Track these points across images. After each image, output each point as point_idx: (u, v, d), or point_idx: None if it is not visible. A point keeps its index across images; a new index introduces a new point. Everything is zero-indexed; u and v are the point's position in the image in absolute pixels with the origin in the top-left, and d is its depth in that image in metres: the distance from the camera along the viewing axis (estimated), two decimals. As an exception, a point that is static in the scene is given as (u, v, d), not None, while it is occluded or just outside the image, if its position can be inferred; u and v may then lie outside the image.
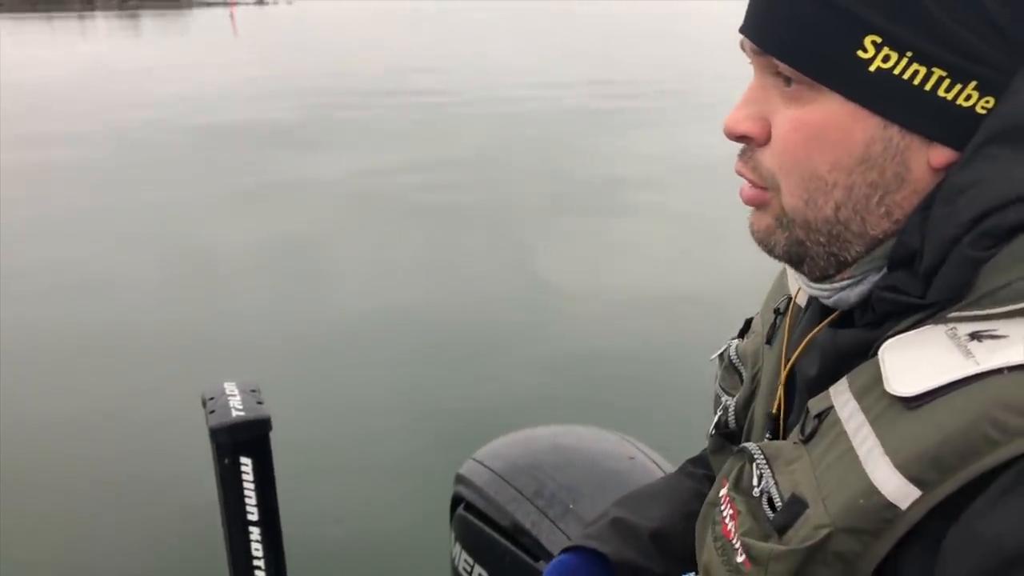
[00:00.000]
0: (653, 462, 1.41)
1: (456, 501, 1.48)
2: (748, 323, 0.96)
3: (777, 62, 0.66)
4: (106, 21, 49.04)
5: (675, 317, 5.01)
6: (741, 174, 0.72)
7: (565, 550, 0.97)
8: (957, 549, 0.54)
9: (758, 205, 0.72)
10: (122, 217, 7.45)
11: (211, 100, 14.88)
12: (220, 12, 55.52)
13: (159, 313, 5.20)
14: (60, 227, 7.15)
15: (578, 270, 5.91)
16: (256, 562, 1.27)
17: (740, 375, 0.92)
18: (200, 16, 52.91)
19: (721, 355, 0.97)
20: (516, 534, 1.36)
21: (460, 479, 1.49)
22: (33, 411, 4.00)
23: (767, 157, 0.69)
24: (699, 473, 1.04)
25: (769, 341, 0.85)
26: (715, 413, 0.93)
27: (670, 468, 1.40)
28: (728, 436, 0.92)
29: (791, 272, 0.80)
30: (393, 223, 7.14)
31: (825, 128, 0.64)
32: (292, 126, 12.10)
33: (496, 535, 1.39)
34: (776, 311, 0.86)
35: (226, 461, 1.25)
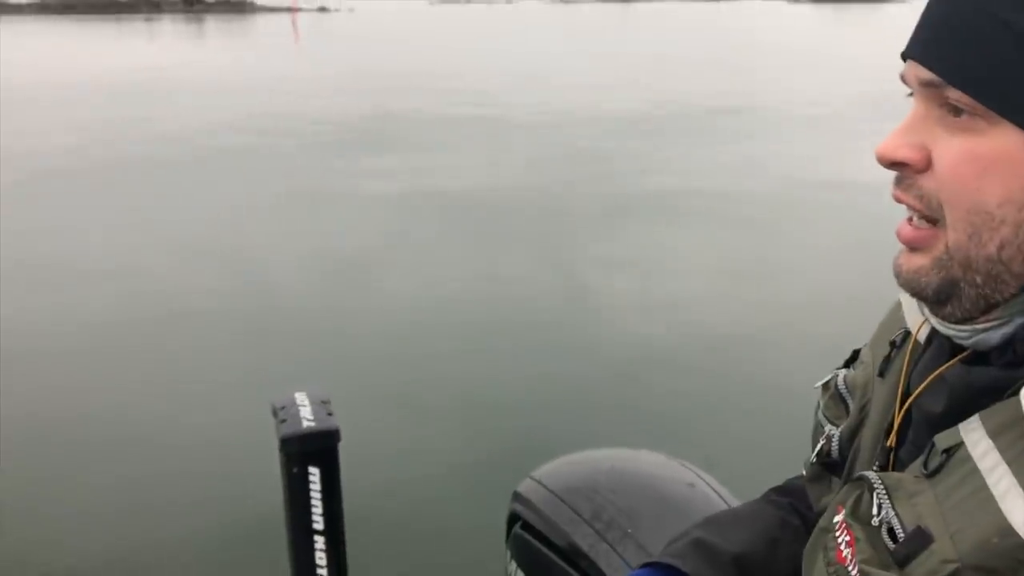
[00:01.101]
0: (713, 490, 1.40)
1: (513, 519, 1.48)
2: (856, 354, 0.95)
3: (949, 92, 0.65)
4: (172, 25, 50.19)
5: (733, 339, 4.94)
6: (903, 202, 0.70)
7: (644, 565, 0.97)
8: None
9: (918, 246, 0.70)
10: (183, 224, 7.56)
11: (269, 107, 15.13)
12: (283, 18, 56.50)
13: (224, 324, 5.26)
14: (117, 233, 7.28)
15: (638, 290, 5.86)
16: (320, 571, 1.29)
17: (846, 405, 0.91)
18: (263, 21, 53.88)
19: (826, 384, 0.95)
20: (573, 556, 1.36)
21: (517, 497, 1.49)
22: (106, 416, 4.08)
23: (930, 184, 0.67)
24: (783, 502, 1.03)
25: (882, 374, 0.84)
26: (815, 441, 0.93)
27: (730, 496, 1.39)
28: (828, 466, 0.91)
29: (910, 306, 0.80)
30: (451, 237, 7.15)
31: (998, 161, 0.63)
32: (347, 134, 12.25)
33: (553, 555, 1.39)
34: (892, 344, 0.85)
35: (295, 470, 1.27)
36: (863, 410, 0.87)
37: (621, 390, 4.28)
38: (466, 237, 7.08)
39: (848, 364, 0.95)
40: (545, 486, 1.46)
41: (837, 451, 0.90)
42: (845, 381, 0.93)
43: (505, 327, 5.15)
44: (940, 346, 0.75)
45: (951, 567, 0.58)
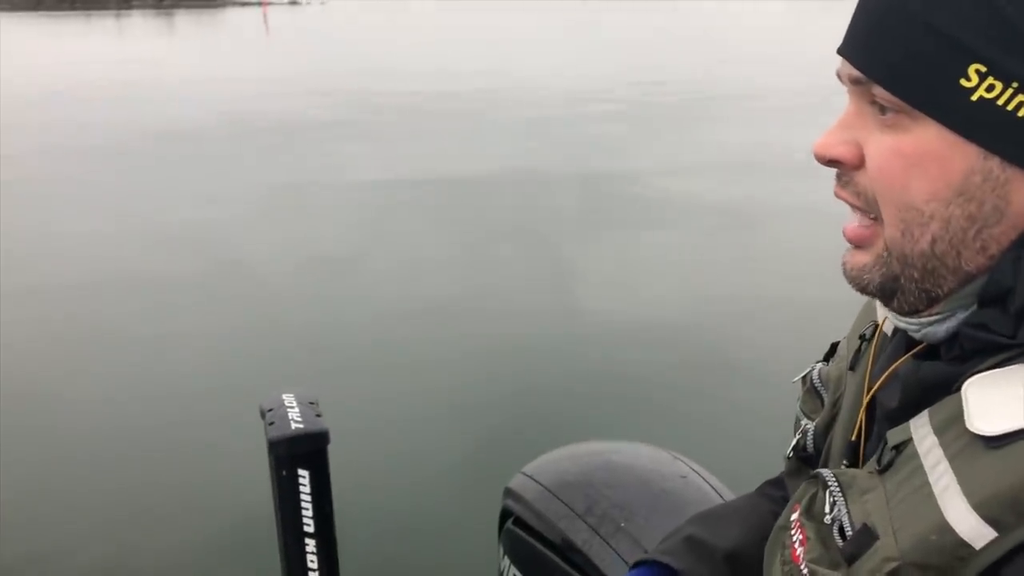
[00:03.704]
0: (705, 481, 1.40)
1: (505, 515, 1.47)
2: (834, 347, 0.95)
3: (874, 89, 0.65)
4: (142, 20, 49.65)
5: (722, 328, 4.95)
6: (841, 198, 0.71)
7: (637, 563, 0.97)
8: None
9: (861, 243, 0.71)
10: (162, 222, 7.46)
11: (244, 102, 15.01)
12: (254, 11, 56.10)
13: (208, 324, 5.19)
14: (93, 232, 7.17)
15: (624, 281, 5.85)
16: (311, 574, 1.28)
17: (822, 399, 0.92)
18: (234, 15, 53.44)
19: (804, 378, 0.96)
20: (566, 551, 1.35)
21: (509, 493, 1.48)
22: (90, 418, 4.02)
23: (865, 180, 0.68)
24: (777, 495, 1.04)
25: (853, 367, 0.85)
26: (794, 435, 0.94)
27: (723, 488, 1.39)
28: (806, 460, 0.92)
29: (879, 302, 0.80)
30: (434, 233, 7.10)
31: (922, 157, 0.63)
32: (321, 128, 12.16)
33: (546, 551, 1.39)
34: (862, 337, 0.85)
35: (284, 473, 1.26)
36: (836, 404, 0.88)
37: (611, 383, 4.27)
38: (449, 233, 7.05)
39: (827, 357, 0.95)
40: (537, 481, 1.45)
41: (812, 445, 0.91)
42: (820, 375, 0.94)
43: (491, 322, 5.12)
44: (900, 340, 0.76)
45: (892, 564, 0.58)
